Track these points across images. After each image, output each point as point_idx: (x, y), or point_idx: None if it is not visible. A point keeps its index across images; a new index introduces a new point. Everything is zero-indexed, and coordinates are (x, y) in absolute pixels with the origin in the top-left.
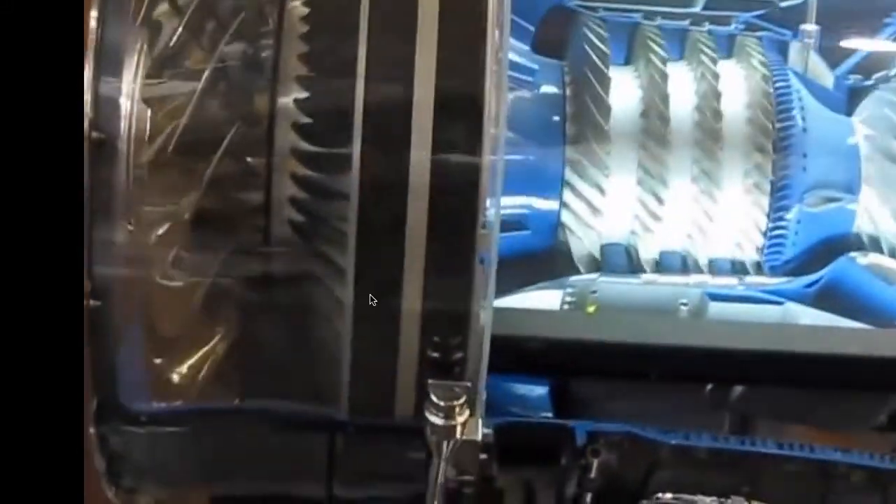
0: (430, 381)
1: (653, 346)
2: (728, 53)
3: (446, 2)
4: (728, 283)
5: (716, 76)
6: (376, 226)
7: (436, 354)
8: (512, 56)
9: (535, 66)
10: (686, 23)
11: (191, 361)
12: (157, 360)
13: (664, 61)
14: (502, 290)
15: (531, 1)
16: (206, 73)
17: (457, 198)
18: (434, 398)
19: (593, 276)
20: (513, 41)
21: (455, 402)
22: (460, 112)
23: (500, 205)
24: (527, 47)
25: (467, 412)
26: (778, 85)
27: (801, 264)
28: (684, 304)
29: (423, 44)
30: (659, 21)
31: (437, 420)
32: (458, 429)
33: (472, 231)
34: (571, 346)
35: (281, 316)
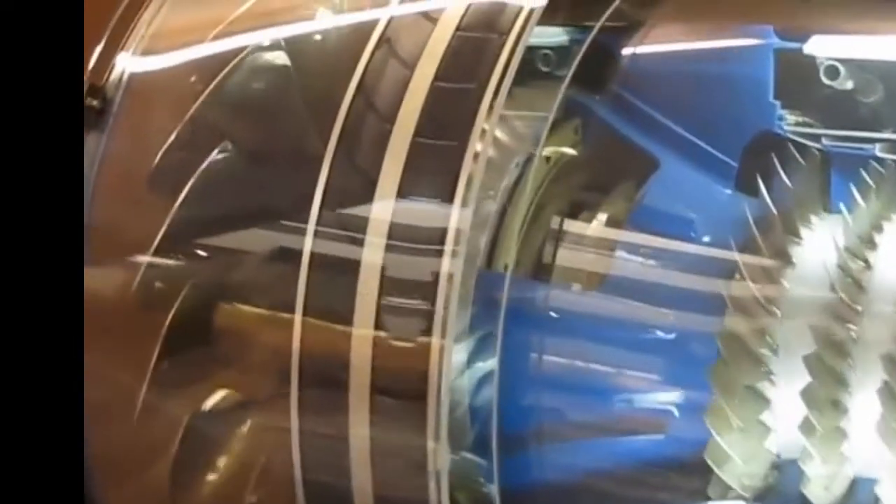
0: None
1: None
2: None
3: None
4: None
5: None
6: None
7: None
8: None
9: (692, 216)
10: None
11: None
12: None
13: (884, 214)
14: None
15: (735, 124)
16: None
17: None
18: None
19: (740, 503)
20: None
21: None
22: None
23: None
24: (720, 187)
25: None
26: None
27: None
28: None
29: None
30: None
31: None
32: None
33: None
34: None
35: None
